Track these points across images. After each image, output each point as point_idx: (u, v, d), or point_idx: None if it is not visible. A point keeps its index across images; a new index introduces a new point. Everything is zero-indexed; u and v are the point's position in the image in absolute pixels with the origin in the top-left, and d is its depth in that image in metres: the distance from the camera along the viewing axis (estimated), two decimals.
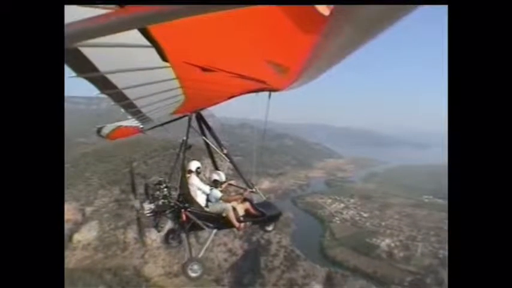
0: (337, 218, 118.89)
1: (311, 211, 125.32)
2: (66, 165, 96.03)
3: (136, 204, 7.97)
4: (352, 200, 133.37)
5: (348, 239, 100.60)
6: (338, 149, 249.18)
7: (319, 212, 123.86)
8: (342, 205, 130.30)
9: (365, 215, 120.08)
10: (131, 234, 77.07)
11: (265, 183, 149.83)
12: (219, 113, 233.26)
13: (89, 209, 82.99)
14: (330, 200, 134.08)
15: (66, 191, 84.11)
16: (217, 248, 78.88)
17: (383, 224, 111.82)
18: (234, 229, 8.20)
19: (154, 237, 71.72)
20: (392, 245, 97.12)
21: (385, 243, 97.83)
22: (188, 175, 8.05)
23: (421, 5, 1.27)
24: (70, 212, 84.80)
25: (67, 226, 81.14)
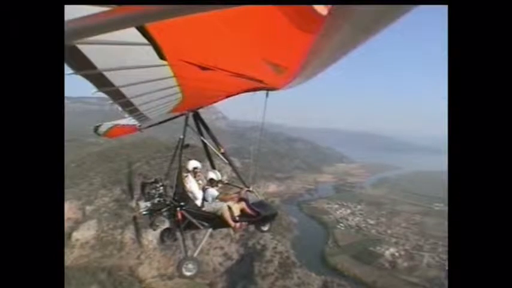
0: (342, 225, 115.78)
1: (316, 216, 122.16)
2: (72, 165, 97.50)
3: (133, 203, 7.99)
4: (359, 206, 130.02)
5: (350, 247, 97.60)
6: (350, 153, 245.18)
7: (324, 217, 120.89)
8: (349, 211, 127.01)
9: (371, 222, 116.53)
10: (129, 234, 76.96)
11: (272, 187, 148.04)
12: (232, 115, 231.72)
13: (89, 208, 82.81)
14: (336, 206, 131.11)
15: (69, 190, 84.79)
16: (213, 251, 77.32)
17: (389, 232, 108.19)
18: (231, 230, 8.13)
19: (150, 238, 70.84)
20: (397, 254, 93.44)
21: (389, 252, 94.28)
22: (185, 174, 8.02)
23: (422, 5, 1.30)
24: (71, 210, 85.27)
25: (67, 224, 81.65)
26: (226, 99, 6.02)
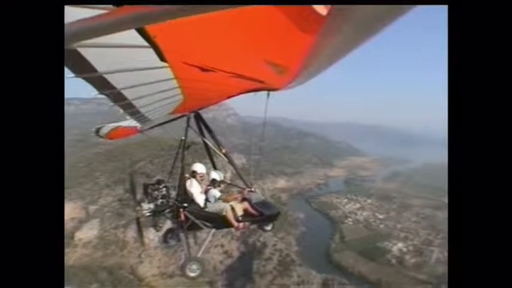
0: (350, 219, 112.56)
1: (324, 211, 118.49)
2: (79, 165, 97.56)
3: (136, 204, 7.89)
4: (369, 200, 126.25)
5: (357, 242, 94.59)
6: (363, 147, 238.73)
7: (333, 212, 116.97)
8: (358, 205, 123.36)
9: (380, 216, 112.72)
10: (131, 233, 76.76)
11: (281, 183, 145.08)
12: (244, 112, 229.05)
13: (92, 208, 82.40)
14: (345, 200, 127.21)
15: (74, 190, 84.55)
16: (214, 249, 75.44)
17: (398, 226, 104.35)
18: (233, 229, 8.18)
19: (152, 236, 69.47)
20: (405, 249, 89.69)
21: (397, 247, 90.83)
22: (188, 176, 8.01)
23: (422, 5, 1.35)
24: (76, 210, 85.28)
25: (71, 224, 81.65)
26: (227, 100, 6.09)
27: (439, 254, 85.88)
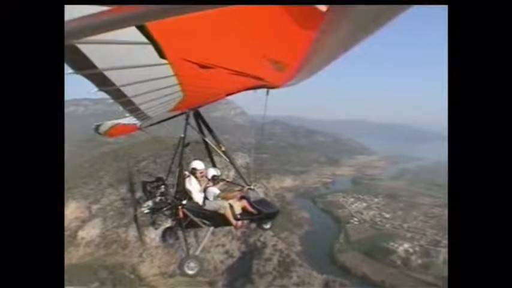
0: (355, 219, 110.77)
1: (330, 211, 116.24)
2: (85, 165, 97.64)
3: (134, 201, 7.94)
4: (376, 199, 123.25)
5: (362, 243, 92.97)
6: (372, 145, 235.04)
7: (338, 211, 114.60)
8: (364, 204, 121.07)
9: (387, 215, 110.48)
10: (132, 232, 76.86)
11: (287, 181, 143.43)
12: (251, 110, 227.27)
13: (95, 207, 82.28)
14: (352, 199, 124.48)
15: (78, 190, 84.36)
16: (214, 249, 74.26)
17: (405, 226, 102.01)
18: (232, 228, 8.15)
19: (153, 236, 68.93)
20: (411, 250, 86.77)
21: (403, 247, 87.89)
22: (187, 174, 7.99)
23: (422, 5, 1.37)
24: (79, 210, 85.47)
25: (74, 223, 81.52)
26: (226, 97, 6.09)
27: (446, 254, 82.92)
